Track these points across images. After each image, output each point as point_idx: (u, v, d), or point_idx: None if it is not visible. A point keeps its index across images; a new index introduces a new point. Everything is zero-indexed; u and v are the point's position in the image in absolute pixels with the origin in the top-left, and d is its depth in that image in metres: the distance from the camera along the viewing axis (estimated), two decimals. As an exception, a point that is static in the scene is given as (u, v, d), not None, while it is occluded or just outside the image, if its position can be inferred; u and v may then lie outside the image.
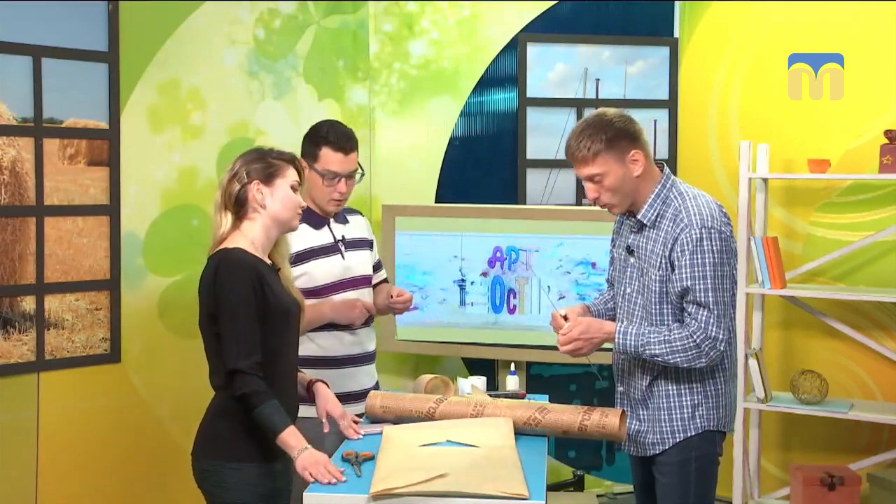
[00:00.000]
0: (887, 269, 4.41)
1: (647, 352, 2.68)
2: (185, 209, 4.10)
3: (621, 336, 2.72)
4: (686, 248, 2.64)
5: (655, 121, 4.90)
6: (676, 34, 4.90)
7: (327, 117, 4.42)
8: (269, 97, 4.35)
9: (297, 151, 4.28)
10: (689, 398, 2.75)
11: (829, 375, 4.32)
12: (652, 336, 2.69)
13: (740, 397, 4.37)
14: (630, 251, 2.83)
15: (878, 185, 4.39)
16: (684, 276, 2.65)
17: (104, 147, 3.88)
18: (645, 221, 2.75)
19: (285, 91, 4.40)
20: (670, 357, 2.67)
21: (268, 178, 2.64)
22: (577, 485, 4.77)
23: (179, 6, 4.07)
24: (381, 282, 3.47)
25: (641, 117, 4.79)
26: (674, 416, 2.76)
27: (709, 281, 2.64)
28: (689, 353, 2.65)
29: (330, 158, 3.18)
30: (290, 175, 2.68)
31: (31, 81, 3.66)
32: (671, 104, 4.90)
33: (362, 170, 3.29)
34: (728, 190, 4.69)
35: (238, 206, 2.63)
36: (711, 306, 2.64)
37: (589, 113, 2.81)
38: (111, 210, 3.91)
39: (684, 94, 4.88)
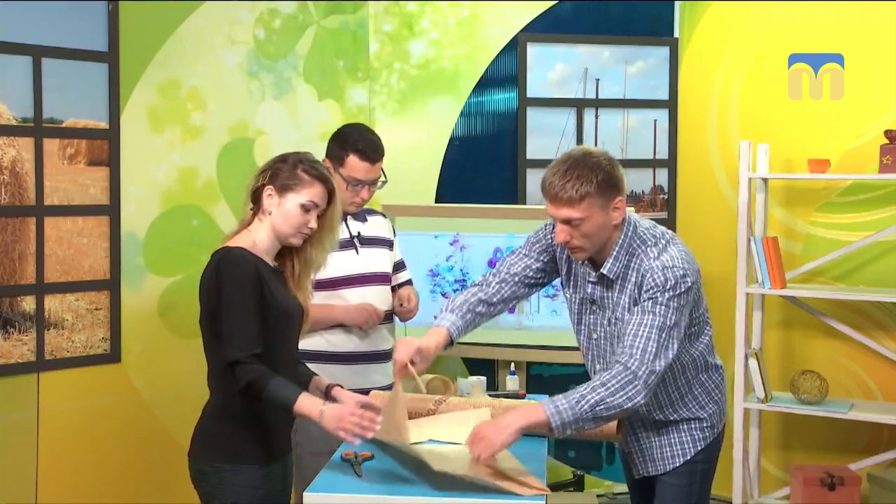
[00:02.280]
0: (887, 269, 4.41)
1: (587, 404, 2.41)
2: (185, 209, 4.10)
3: (552, 408, 2.42)
4: (648, 292, 2.52)
5: (655, 121, 4.90)
6: (676, 34, 4.90)
7: (327, 117, 4.46)
8: (269, 97, 4.35)
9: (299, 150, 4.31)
10: (698, 410, 2.73)
11: (829, 375, 4.32)
12: (582, 389, 2.45)
13: (740, 397, 4.37)
14: (593, 301, 2.69)
15: (878, 185, 4.39)
16: (636, 314, 2.52)
17: (104, 147, 3.88)
18: (612, 276, 2.60)
19: (285, 91, 4.40)
20: (613, 398, 2.42)
21: (282, 188, 2.59)
22: (577, 485, 4.77)
23: (179, 6, 4.07)
24: (403, 283, 3.47)
25: (641, 117, 4.87)
26: (683, 438, 2.73)
27: (658, 313, 2.49)
28: (629, 387, 2.43)
29: (356, 166, 3.20)
30: (307, 194, 2.59)
31: (31, 81, 3.66)
32: (671, 104, 4.90)
33: (385, 177, 3.30)
34: (728, 190, 4.69)
35: (254, 202, 2.63)
36: (655, 339, 2.47)
37: (573, 148, 2.61)
38: (111, 210, 3.91)
39: (684, 94, 4.88)
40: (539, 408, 2.43)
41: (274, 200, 2.60)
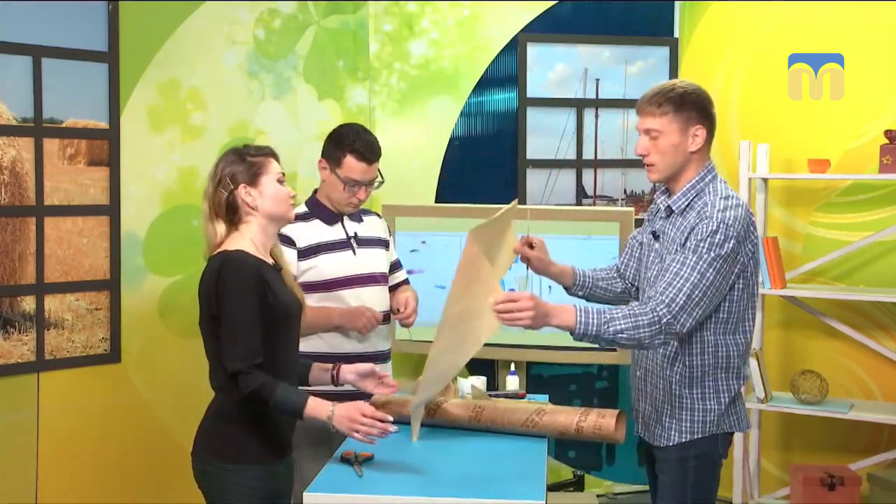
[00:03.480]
0: (887, 269, 4.41)
1: (612, 328, 2.54)
2: (185, 209, 4.10)
3: (583, 317, 2.55)
4: (696, 236, 2.60)
5: (655, 121, 4.89)
6: (676, 34, 4.90)
7: (327, 117, 4.46)
8: (269, 97, 4.35)
9: (298, 151, 4.32)
10: (700, 402, 2.71)
11: (829, 375, 4.32)
12: (615, 312, 2.57)
13: (740, 397, 4.37)
14: (655, 236, 2.81)
15: (878, 185, 4.39)
16: (677, 259, 2.60)
17: (104, 147, 3.88)
18: (674, 208, 2.73)
19: (285, 91, 4.40)
20: (635, 332, 2.54)
21: (252, 178, 2.61)
22: (577, 485, 4.77)
23: (179, 6, 4.08)
24: (400, 283, 3.46)
25: (642, 117, 4.87)
26: (682, 413, 2.71)
27: (697, 269, 2.56)
28: (653, 328, 2.54)
29: (354, 167, 3.19)
30: (274, 169, 2.64)
31: (31, 81, 3.66)
32: (671, 104, 4.89)
33: (382, 177, 3.29)
34: (728, 190, 4.69)
35: (231, 214, 2.61)
36: (686, 292, 2.55)
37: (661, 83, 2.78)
38: (111, 210, 3.91)
39: (684, 94, 4.88)
40: (572, 313, 2.57)
41: (253, 193, 2.61)
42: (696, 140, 2.70)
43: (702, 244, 2.58)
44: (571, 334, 2.59)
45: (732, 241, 2.59)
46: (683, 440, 2.72)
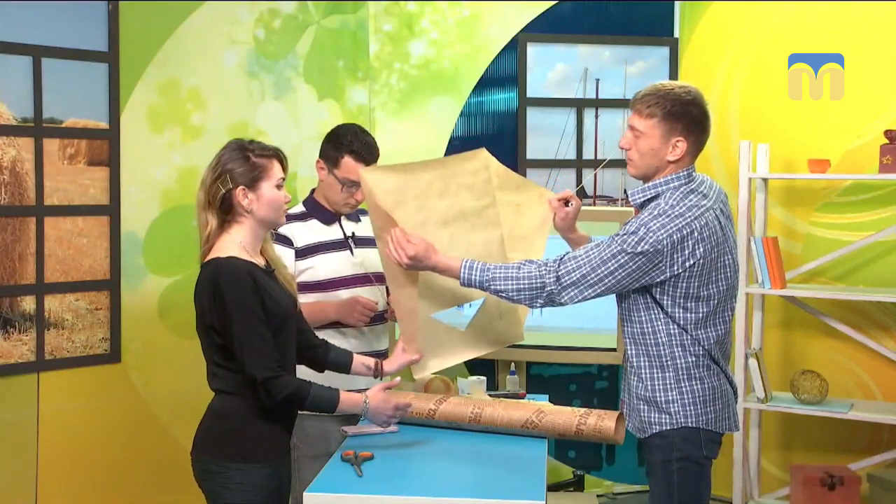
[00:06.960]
0: (887, 269, 4.41)
1: (492, 285, 2.71)
2: (185, 209, 4.09)
3: (468, 268, 2.73)
4: (620, 229, 2.65)
5: (655, 121, 4.90)
6: (676, 34, 4.90)
7: (327, 117, 4.46)
8: (269, 97, 4.35)
9: (298, 151, 4.32)
10: (662, 394, 2.69)
11: (829, 375, 4.32)
12: (499, 270, 2.71)
13: (740, 397, 4.36)
14: None
15: (878, 185, 4.39)
16: (600, 242, 2.68)
17: (104, 147, 3.88)
18: (631, 202, 2.78)
19: (285, 91, 4.40)
20: (514, 294, 2.69)
21: (252, 182, 2.58)
22: (577, 485, 4.77)
23: (179, 6, 4.08)
24: None
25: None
26: (650, 406, 2.71)
27: (601, 255, 2.62)
28: (533, 293, 2.68)
29: (351, 168, 3.18)
30: (275, 174, 2.61)
31: (31, 81, 3.66)
32: (671, 104, 4.89)
33: None
34: (728, 190, 4.66)
35: (224, 212, 2.59)
36: (583, 271, 2.63)
37: (664, 83, 2.75)
38: (111, 210, 3.91)
39: (684, 94, 4.88)
40: (458, 262, 2.76)
41: (251, 197, 2.58)
42: (676, 151, 2.68)
43: (617, 237, 2.63)
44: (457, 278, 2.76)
45: (647, 247, 2.58)
46: (654, 431, 2.70)
